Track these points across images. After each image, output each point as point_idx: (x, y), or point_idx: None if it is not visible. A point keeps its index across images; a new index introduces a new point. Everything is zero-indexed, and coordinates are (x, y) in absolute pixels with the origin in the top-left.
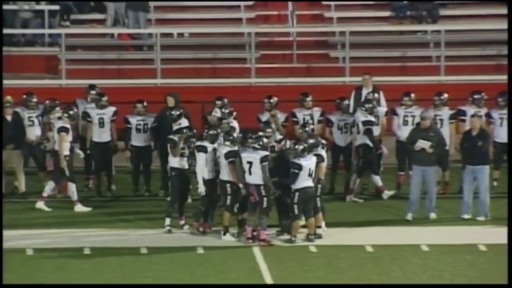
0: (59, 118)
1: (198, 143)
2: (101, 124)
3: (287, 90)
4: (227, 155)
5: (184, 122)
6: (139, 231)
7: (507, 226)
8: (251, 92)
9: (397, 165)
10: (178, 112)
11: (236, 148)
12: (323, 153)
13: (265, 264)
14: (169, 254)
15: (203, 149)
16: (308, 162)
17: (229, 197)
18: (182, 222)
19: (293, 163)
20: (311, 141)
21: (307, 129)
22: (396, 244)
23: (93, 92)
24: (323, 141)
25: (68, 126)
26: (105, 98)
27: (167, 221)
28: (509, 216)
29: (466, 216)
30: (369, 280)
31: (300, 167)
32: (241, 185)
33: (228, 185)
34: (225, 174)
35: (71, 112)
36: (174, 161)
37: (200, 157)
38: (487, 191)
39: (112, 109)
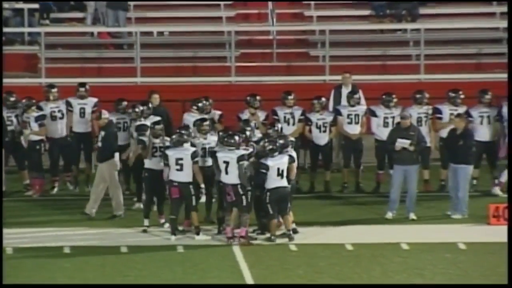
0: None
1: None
2: (82, 114)
3: (267, 89)
4: (193, 155)
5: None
6: (119, 230)
7: (507, 226)
8: (232, 90)
9: (376, 164)
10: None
11: (194, 148)
12: (293, 153)
13: (245, 263)
14: (150, 253)
15: None
16: (277, 162)
17: (194, 197)
18: (162, 221)
19: (260, 163)
20: (281, 141)
21: (276, 128)
22: (376, 243)
23: (54, 90)
24: (292, 139)
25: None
26: (83, 89)
27: (146, 222)
28: (509, 216)
29: (456, 216)
30: (349, 278)
31: (266, 167)
32: (202, 186)
33: (191, 186)
34: (186, 176)
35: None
36: (147, 162)
37: None
38: (466, 190)
39: (93, 100)
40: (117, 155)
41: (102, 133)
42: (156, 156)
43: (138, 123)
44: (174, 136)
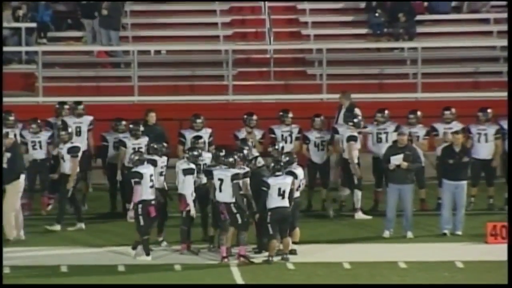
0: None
1: (185, 166)
2: (78, 132)
3: (264, 107)
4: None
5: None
6: (116, 249)
7: (507, 227)
8: (229, 109)
9: (374, 182)
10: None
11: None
12: (298, 170)
13: (242, 282)
14: (147, 272)
15: (191, 172)
16: (278, 182)
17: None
18: (161, 238)
19: (262, 181)
20: (286, 158)
21: (276, 147)
22: (374, 261)
23: (66, 106)
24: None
25: (356, 134)
26: (81, 107)
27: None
28: (509, 216)
29: (447, 232)
30: None
31: (267, 186)
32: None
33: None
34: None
35: (355, 120)
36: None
37: (188, 179)
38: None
39: (89, 118)
40: (22, 176)
41: (8, 154)
42: (162, 175)
43: (70, 145)
44: (132, 156)
